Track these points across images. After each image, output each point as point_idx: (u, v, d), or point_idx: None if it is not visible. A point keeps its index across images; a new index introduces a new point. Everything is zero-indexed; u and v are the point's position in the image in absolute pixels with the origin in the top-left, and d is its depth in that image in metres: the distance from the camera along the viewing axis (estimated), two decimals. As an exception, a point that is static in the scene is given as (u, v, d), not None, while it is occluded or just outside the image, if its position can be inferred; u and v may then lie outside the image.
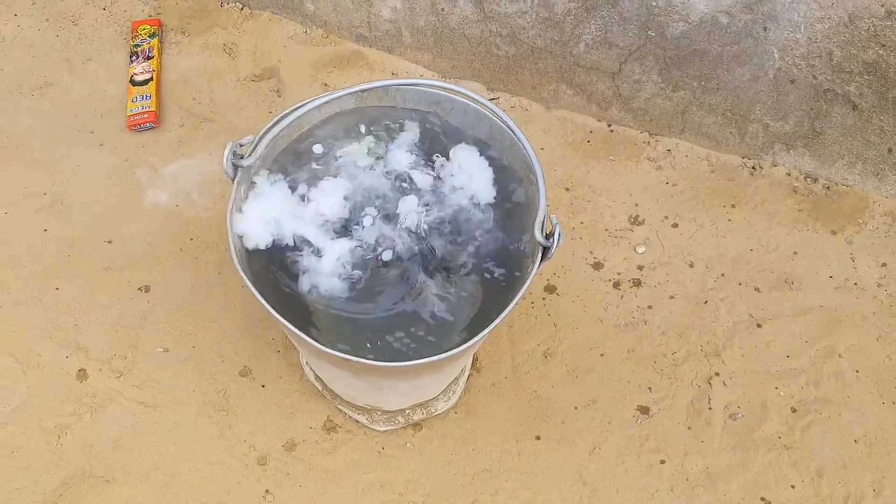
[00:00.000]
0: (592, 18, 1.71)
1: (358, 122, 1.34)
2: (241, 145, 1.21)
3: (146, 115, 1.87)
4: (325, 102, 1.28)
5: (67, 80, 1.96)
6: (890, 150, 1.70)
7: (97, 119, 1.90)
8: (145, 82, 1.93)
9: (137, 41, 2.00)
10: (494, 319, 1.12)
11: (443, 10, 1.83)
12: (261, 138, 1.23)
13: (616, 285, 1.71)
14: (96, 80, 1.96)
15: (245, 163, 1.20)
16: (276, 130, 1.24)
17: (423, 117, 1.35)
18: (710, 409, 1.57)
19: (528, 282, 1.15)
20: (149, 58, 1.97)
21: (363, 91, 1.32)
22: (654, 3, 1.63)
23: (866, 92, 1.62)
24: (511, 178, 1.30)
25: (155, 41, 2.00)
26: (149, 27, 2.03)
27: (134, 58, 1.98)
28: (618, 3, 1.66)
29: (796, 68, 1.63)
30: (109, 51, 2.02)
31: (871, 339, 1.64)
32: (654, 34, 1.69)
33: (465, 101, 1.30)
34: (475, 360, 1.60)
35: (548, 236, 1.16)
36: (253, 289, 1.10)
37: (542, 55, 1.84)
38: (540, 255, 1.16)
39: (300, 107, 1.26)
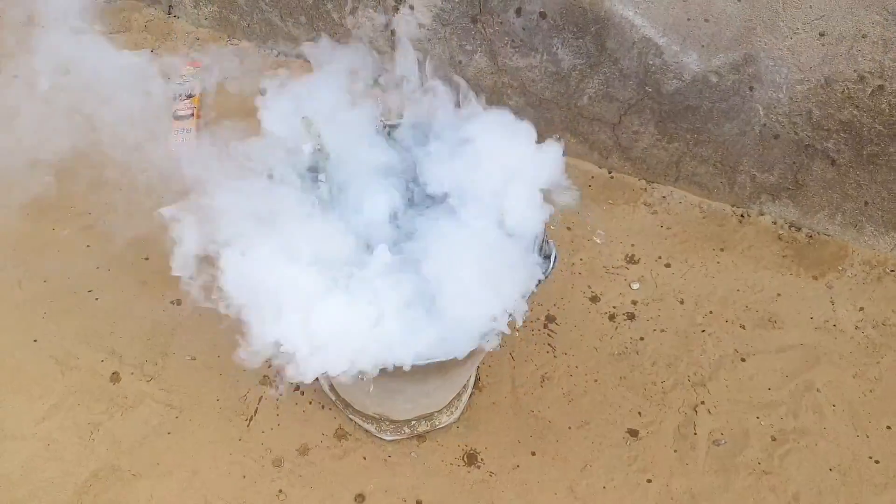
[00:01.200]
0: (595, 74, 1.89)
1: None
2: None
3: (187, 144, 2.05)
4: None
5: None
6: (866, 203, 1.85)
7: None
8: (187, 118, 2.12)
9: (180, 81, 2.20)
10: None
11: (460, 62, 2.02)
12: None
13: (611, 318, 1.85)
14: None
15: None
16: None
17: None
18: (695, 434, 1.69)
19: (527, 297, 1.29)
20: (190, 96, 2.16)
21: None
22: (650, 62, 1.81)
23: (843, 148, 1.78)
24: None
25: (196, 81, 2.20)
26: (191, 69, 2.22)
27: (177, 97, 2.17)
28: (618, 61, 1.84)
29: (779, 125, 1.80)
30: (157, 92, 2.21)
31: (847, 377, 1.76)
32: (650, 90, 1.86)
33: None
34: (477, 379, 1.73)
35: (546, 258, 1.30)
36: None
37: (549, 106, 2.01)
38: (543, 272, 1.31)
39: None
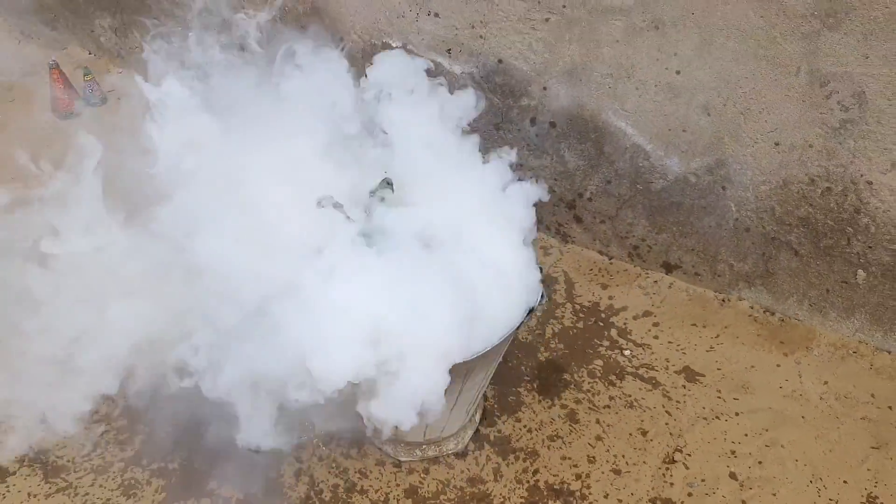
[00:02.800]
0: (595, 174, 2.28)
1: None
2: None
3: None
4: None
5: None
6: (828, 291, 2.15)
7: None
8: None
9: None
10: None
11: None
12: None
13: (602, 378, 2.14)
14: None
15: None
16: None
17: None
18: (672, 477, 1.93)
19: (520, 323, 1.62)
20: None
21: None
22: (640, 164, 2.19)
23: (804, 241, 2.10)
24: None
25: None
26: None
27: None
28: (614, 162, 2.23)
29: (749, 220, 2.14)
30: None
31: (810, 437, 2.00)
32: (641, 187, 2.24)
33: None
34: (484, 416, 2.02)
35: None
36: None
37: (558, 201, 2.40)
38: (529, 309, 1.64)
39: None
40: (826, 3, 1.72)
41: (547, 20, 2.08)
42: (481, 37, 2.21)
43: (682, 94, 2.02)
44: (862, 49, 1.74)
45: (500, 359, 1.79)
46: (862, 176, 1.92)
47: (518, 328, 1.66)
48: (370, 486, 1.90)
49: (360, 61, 2.45)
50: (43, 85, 2.86)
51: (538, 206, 2.38)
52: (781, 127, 1.95)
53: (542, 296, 1.65)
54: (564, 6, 2.04)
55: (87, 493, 1.87)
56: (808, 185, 2.01)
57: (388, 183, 1.69)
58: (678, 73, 1.99)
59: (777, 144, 1.98)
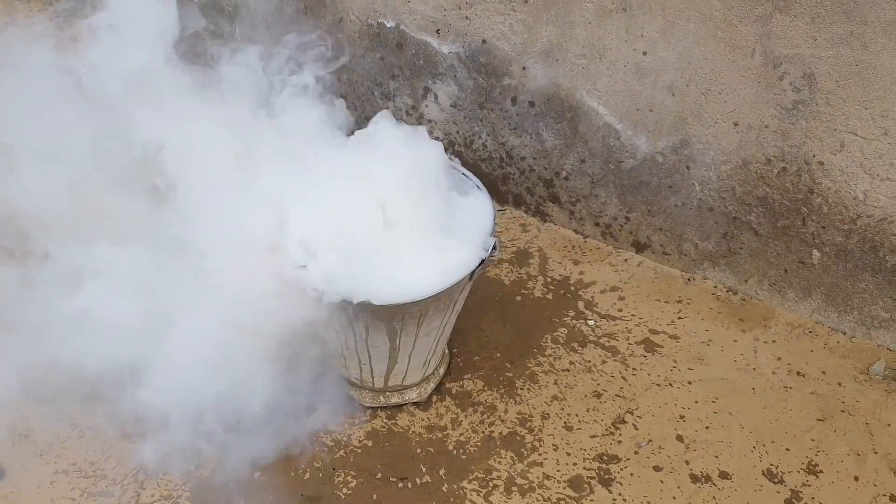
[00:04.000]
0: (571, 153, 2.40)
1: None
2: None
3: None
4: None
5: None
6: (786, 271, 2.24)
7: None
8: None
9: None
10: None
11: (472, 138, 2.57)
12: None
13: (566, 343, 2.24)
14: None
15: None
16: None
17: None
18: (620, 437, 2.03)
19: (472, 272, 1.73)
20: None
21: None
22: (611, 143, 2.30)
23: (763, 221, 2.19)
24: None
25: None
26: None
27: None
28: (588, 142, 2.34)
29: (712, 199, 2.24)
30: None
31: (758, 407, 2.08)
32: (612, 167, 2.35)
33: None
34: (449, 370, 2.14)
35: (487, 249, 1.76)
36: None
37: (535, 178, 2.51)
38: (480, 260, 1.76)
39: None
40: (776, -13, 1.84)
41: (526, 2, 2.21)
42: (467, 17, 2.35)
43: (648, 74, 2.13)
44: (811, 31, 1.85)
45: (457, 308, 1.91)
46: (814, 156, 2.01)
47: (471, 276, 1.77)
48: (335, 427, 2.02)
49: (356, 40, 2.61)
50: None
51: (518, 186, 2.52)
52: (739, 108, 2.06)
53: (493, 246, 1.76)
54: (542, -11, 2.17)
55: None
56: (765, 166, 2.10)
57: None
58: (645, 53, 2.11)
59: (736, 125, 2.09)
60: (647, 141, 2.24)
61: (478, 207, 1.89)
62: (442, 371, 2.12)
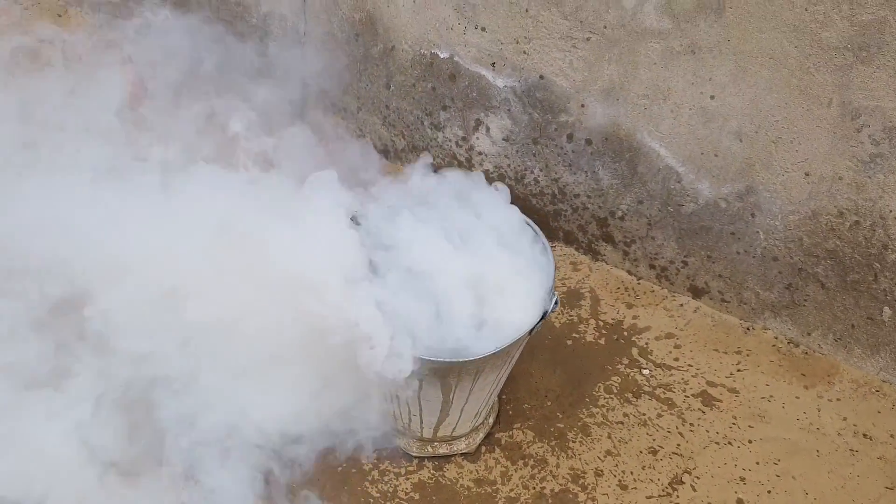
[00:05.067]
0: (628, 193, 2.32)
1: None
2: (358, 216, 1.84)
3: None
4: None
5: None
6: (853, 327, 2.14)
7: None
8: (300, 196, 2.66)
9: (301, 169, 2.77)
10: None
11: (523, 173, 2.50)
12: (368, 214, 1.86)
13: (619, 394, 2.16)
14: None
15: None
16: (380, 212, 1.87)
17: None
18: (678, 498, 1.94)
19: (532, 328, 1.66)
20: (307, 180, 2.71)
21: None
22: (672, 186, 2.22)
23: (830, 274, 2.10)
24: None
25: (313, 171, 2.76)
26: (311, 161, 2.79)
27: (296, 179, 2.72)
28: (647, 183, 2.26)
29: (777, 249, 2.15)
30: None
31: (823, 471, 1.98)
32: (672, 210, 2.26)
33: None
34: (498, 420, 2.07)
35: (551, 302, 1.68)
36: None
37: (590, 217, 2.44)
38: (542, 314, 1.68)
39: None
40: (859, 37, 1.74)
41: (588, 39, 2.14)
42: (525, 52, 2.28)
43: (715, 118, 2.05)
44: (893, 84, 1.75)
45: (512, 363, 1.84)
46: (891, 211, 1.91)
47: (531, 332, 1.70)
48: (380, 477, 1.95)
49: (407, 70, 2.55)
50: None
51: (570, 223, 2.44)
52: (812, 157, 1.96)
53: (555, 301, 1.69)
54: (605, 27, 2.09)
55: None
56: (837, 218, 2.01)
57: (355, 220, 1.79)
58: (712, 97, 2.02)
59: (807, 175, 1.99)
60: (710, 186, 2.16)
61: (537, 257, 1.81)
62: (491, 420, 2.05)
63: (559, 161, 2.40)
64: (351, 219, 1.81)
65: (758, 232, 2.15)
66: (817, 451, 2.03)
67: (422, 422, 1.87)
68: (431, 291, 1.69)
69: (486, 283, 1.70)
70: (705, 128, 2.08)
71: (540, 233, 1.82)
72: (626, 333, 2.32)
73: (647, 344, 2.29)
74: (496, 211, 1.83)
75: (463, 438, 1.98)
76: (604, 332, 2.32)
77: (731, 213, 2.17)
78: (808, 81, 1.87)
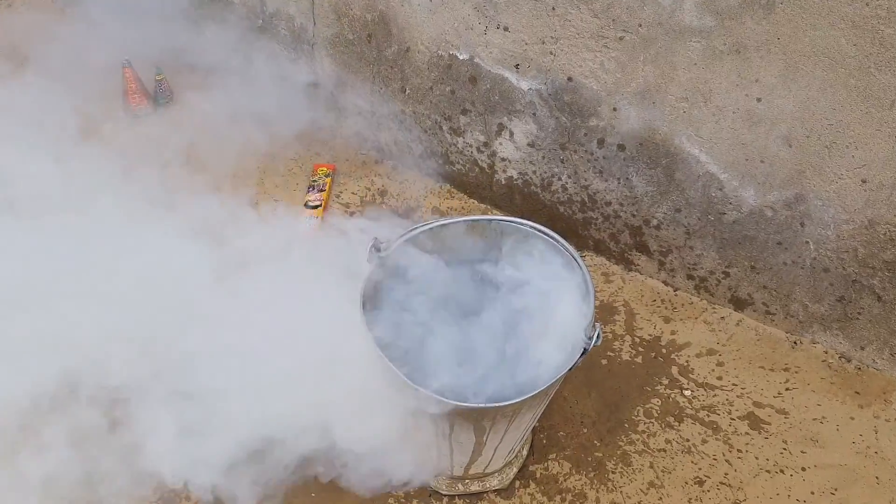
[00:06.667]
0: (665, 201, 2.16)
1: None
2: (382, 243, 1.70)
3: (311, 230, 2.44)
4: (442, 224, 1.77)
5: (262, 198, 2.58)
6: (913, 341, 1.99)
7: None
8: (315, 207, 2.52)
9: (315, 178, 2.62)
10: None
11: (550, 180, 2.34)
12: (395, 240, 1.72)
13: (660, 418, 2.02)
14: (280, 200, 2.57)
15: (382, 254, 1.68)
16: (406, 236, 1.73)
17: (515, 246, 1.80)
18: (727, 532, 1.81)
19: (573, 365, 1.52)
20: (321, 190, 2.57)
21: (473, 221, 1.80)
22: (713, 194, 2.06)
23: (888, 286, 1.94)
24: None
25: (328, 180, 2.61)
26: (325, 169, 2.65)
27: (310, 189, 2.58)
28: (685, 191, 2.11)
29: (828, 259, 1.99)
30: (296, 183, 2.65)
31: (884, 500, 1.85)
32: (713, 218, 2.11)
33: (549, 240, 1.74)
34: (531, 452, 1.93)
35: (590, 338, 1.54)
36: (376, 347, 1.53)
37: (622, 226, 2.28)
38: (583, 349, 1.54)
39: (426, 224, 1.76)
40: (929, 34, 1.58)
41: (621, 39, 1.97)
42: (551, 53, 2.11)
43: (762, 122, 1.88)
44: (967, 85, 1.59)
45: (549, 399, 1.70)
46: (959, 222, 1.75)
47: (571, 369, 1.56)
48: (408, 517, 1.83)
49: (424, 72, 2.40)
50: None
51: (601, 232, 2.29)
52: (870, 163, 1.80)
53: (597, 335, 1.55)
54: (640, 25, 1.92)
55: None
56: (897, 228, 1.85)
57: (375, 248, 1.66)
58: (759, 100, 1.86)
59: (864, 182, 1.83)
60: (755, 193, 2.00)
61: (575, 285, 1.67)
62: (525, 452, 1.92)
63: (589, 168, 2.24)
64: (372, 246, 1.67)
65: (807, 242, 2.00)
66: (877, 478, 1.89)
67: (452, 462, 1.74)
68: (465, 329, 1.55)
69: (523, 320, 1.56)
70: (751, 132, 1.91)
71: (580, 261, 1.66)
72: (664, 350, 2.18)
73: (687, 362, 2.15)
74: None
75: (496, 474, 1.85)
76: (640, 349, 2.18)
77: (777, 221, 2.01)
78: (867, 82, 1.70)
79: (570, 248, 1.68)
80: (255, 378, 1.78)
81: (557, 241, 1.70)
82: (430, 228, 1.75)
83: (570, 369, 1.54)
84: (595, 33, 2.00)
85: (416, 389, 1.45)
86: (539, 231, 1.73)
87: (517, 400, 1.47)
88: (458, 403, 1.44)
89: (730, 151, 1.98)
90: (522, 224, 1.77)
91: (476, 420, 1.54)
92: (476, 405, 1.47)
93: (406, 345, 1.63)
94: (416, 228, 1.75)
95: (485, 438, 1.63)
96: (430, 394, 1.45)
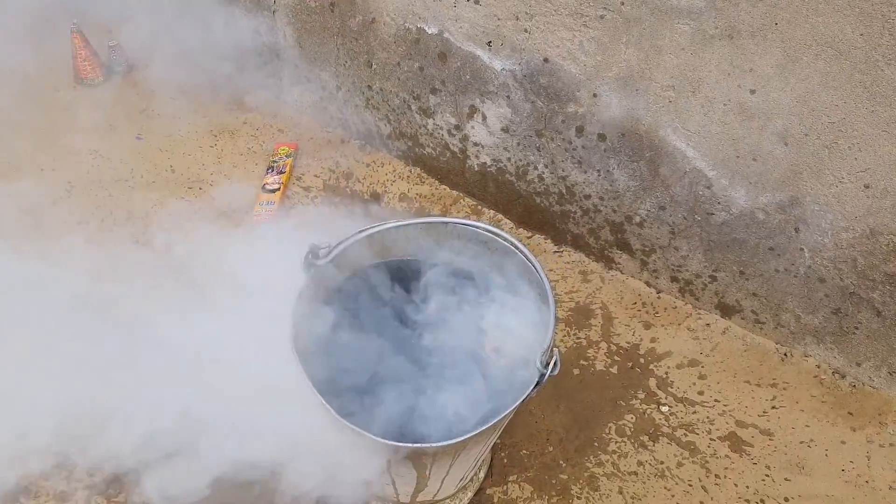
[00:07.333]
0: (648, 197, 1.96)
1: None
2: (320, 248, 1.52)
3: (267, 216, 2.26)
4: (396, 227, 1.58)
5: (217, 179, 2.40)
6: (914, 360, 1.80)
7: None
8: (273, 191, 2.33)
9: (275, 158, 2.43)
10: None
11: (525, 169, 2.15)
12: (336, 246, 1.53)
13: (632, 438, 1.86)
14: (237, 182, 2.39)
15: (319, 262, 1.50)
16: (349, 242, 1.54)
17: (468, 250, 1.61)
18: (699, 569, 1.66)
19: (524, 397, 1.35)
20: (280, 172, 2.38)
21: (428, 223, 1.61)
22: (700, 192, 1.87)
23: (889, 301, 1.75)
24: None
25: (289, 161, 2.42)
26: (287, 149, 2.45)
27: (269, 171, 2.39)
28: (670, 187, 1.91)
29: (825, 269, 1.80)
30: (255, 163, 2.45)
31: (872, 538, 1.69)
32: (699, 218, 1.91)
33: (505, 244, 1.56)
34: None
35: (546, 365, 1.36)
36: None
37: (602, 221, 2.09)
38: (537, 379, 1.37)
39: (375, 227, 1.57)
40: (949, 26, 1.36)
41: (602, 17, 1.76)
42: (526, 31, 1.90)
43: (755, 117, 1.68)
44: None
45: (500, 430, 1.53)
46: (972, 237, 1.56)
47: (523, 400, 1.39)
48: (352, 543, 1.68)
49: (391, 46, 2.18)
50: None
51: (580, 226, 2.09)
52: (875, 167, 1.60)
53: (554, 362, 1.37)
54: (623, 3, 1.71)
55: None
56: (902, 239, 1.65)
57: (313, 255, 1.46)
58: (753, 92, 1.65)
59: (867, 187, 1.63)
60: (746, 194, 1.80)
61: (531, 303, 1.49)
62: (482, 474, 1.76)
63: (567, 157, 2.04)
64: (308, 252, 1.48)
65: (802, 249, 1.81)
66: (866, 511, 1.73)
67: (396, 490, 1.58)
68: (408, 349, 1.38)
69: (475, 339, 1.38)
70: (743, 127, 1.71)
71: (543, 274, 1.47)
72: (642, 360, 2.00)
73: (666, 373, 1.97)
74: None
75: (447, 501, 1.69)
76: (617, 358, 2.01)
77: (770, 226, 1.82)
78: (874, 77, 1.49)
79: (530, 256, 1.50)
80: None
81: (517, 248, 1.52)
82: (378, 231, 1.56)
83: (521, 402, 1.36)
84: (573, 10, 1.79)
85: (344, 424, 1.28)
86: (499, 237, 1.55)
87: (450, 442, 1.30)
88: (378, 440, 1.27)
89: (719, 147, 1.77)
90: (479, 227, 1.58)
91: (414, 458, 1.38)
92: (394, 443, 1.30)
93: (338, 365, 1.45)
94: (363, 231, 1.57)
95: (427, 473, 1.47)
96: (353, 427, 1.28)
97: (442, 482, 1.55)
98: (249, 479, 1.66)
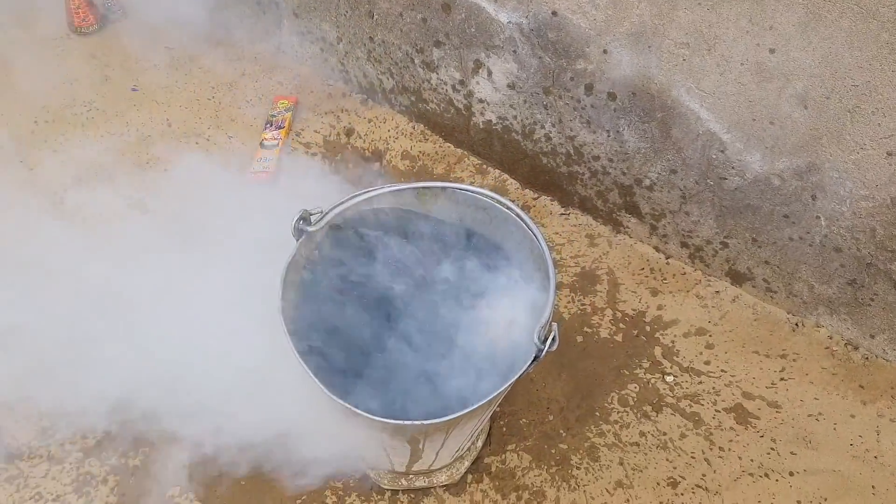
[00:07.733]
0: (659, 160, 1.88)
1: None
2: (311, 213, 1.45)
3: (264, 174, 2.19)
4: (392, 191, 1.52)
5: (215, 133, 2.32)
6: (931, 334, 1.74)
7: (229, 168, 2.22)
8: (272, 147, 2.26)
9: (274, 112, 2.35)
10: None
11: (532, 127, 2.06)
12: (329, 211, 1.47)
13: (636, 407, 1.81)
14: (235, 137, 2.32)
15: (310, 228, 1.44)
16: (343, 206, 1.48)
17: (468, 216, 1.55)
18: (699, 543, 1.63)
19: (520, 374, 1.30)
20: (279, 127, 2.30)
21: (425, 188, 1.54)
22: (713, 156, 1.78)
23: (908, 273, 1.68)
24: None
25: (289, 115, 2.34)
26: (286, 102, 2.37)
27: (268, 125, 2.32)
28: (682, 150, 1.82)
29: (841, 238, 1.72)
30: (253, 117, 2.38)
31: (878, 514, 1.65)
32: (712, 183, 1.83)
33: (506, 212, 1.49)
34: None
35: (544, 340, 1.31)
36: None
37: (611, 184, 2.01)
38: (534, 355, 1.31)
39: (369, 191, 1.50)
40: None
41: (613, -32, 1.65)
42: (533, -19, 1.80)
43: (774, 77, 1.58)
44: None
45: (496, 405, 1.49)
46: None
47: (518, 378, 1.34)
48: (346, 509, 1.66)
49: (392, -2, 2.08)
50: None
51: (588, 188, 2.02)
52: (900, 134, 1.51)
53: (552, 339, 1.31)
54: (636, -47, 1.60)
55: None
56: (925, 209, 1.57)
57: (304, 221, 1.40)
58: (772, 51, 1.55)
59: (890, 155, 1.54)
60: (761, 158, 1.71)
61: (530, 273, 1.42)
62: (480, 443, 1.73)
63: (575, 116, 1.95)
64: (299, 218, 1.42)
65: (818, 217, 1.72)
66: (873, 487, 1.68)
67: (391, 461, 1.55)
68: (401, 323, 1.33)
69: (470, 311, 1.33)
70: (760, 88, 1.61)
71: (544, 244, 1.40)
72: (648, 328, 1.94)
73: (673, 342, 1.92)
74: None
75: (444, 469, 1.66)
76: (622, 325, 1.95)
77: (785, 192, 1.73)
78: (904, 38, 1.39)
79: (528, 220, 1.43)
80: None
81: (519, 216, 1.45)
82: (373, 196, 1.50)
83: (516, 378, 1.31)
84: (583, -39, 1.68)
85: (333, 399, 1.24)
86: (501, 204, 1.48)
87: (440, 420, 1.25)
88: (371, 417, 1.23)
89: (735, 109, 1.68)
90: (479, 193, 1.51)
91: (404, 434, 1.34)
92: (385, 420, 1.25)
93: (329, 335, 1.41)
94: (357, 196, 1.50)
95: (421, 447, 1.43)
96: (344, 404, 1.23)
97: (437, 454, 1.51)
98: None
